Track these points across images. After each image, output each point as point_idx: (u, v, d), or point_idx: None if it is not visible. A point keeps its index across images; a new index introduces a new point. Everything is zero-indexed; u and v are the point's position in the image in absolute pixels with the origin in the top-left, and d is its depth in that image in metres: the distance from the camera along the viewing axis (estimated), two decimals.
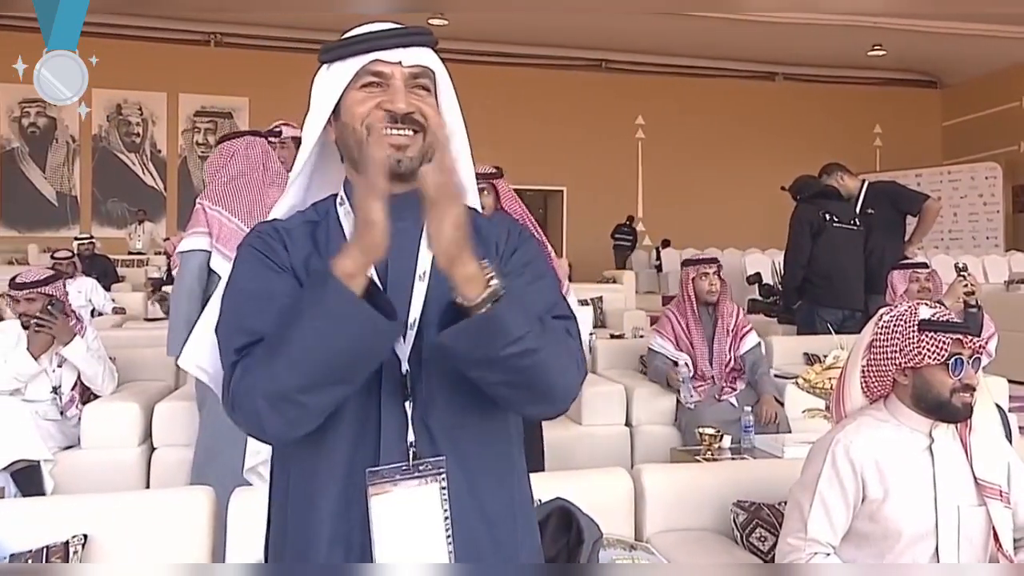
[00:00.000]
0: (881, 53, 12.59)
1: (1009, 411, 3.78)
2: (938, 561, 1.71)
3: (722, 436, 3.23)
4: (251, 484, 2.52)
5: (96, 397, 3.46)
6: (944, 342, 1.73)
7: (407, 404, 1.05)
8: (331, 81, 1.11)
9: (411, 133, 1.07)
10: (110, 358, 3.57)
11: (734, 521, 2.20)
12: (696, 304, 3.86)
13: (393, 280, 1.07)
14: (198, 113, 12.02)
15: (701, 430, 3.26)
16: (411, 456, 1.05)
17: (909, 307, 1.81)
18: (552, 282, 1.16)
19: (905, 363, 1.76)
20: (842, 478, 1.75)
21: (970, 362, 1.74)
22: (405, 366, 1.06)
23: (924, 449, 1.77)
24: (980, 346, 1.76)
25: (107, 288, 6.61)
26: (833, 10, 10.30)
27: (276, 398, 0.97)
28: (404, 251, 1.06)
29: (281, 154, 3.91)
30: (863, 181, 5.32)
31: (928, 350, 1.74)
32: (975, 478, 1.75)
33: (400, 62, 1.09)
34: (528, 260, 1.14)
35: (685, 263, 4.06)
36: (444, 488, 1.05)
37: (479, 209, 1.21)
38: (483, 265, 0.98)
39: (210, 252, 2.94)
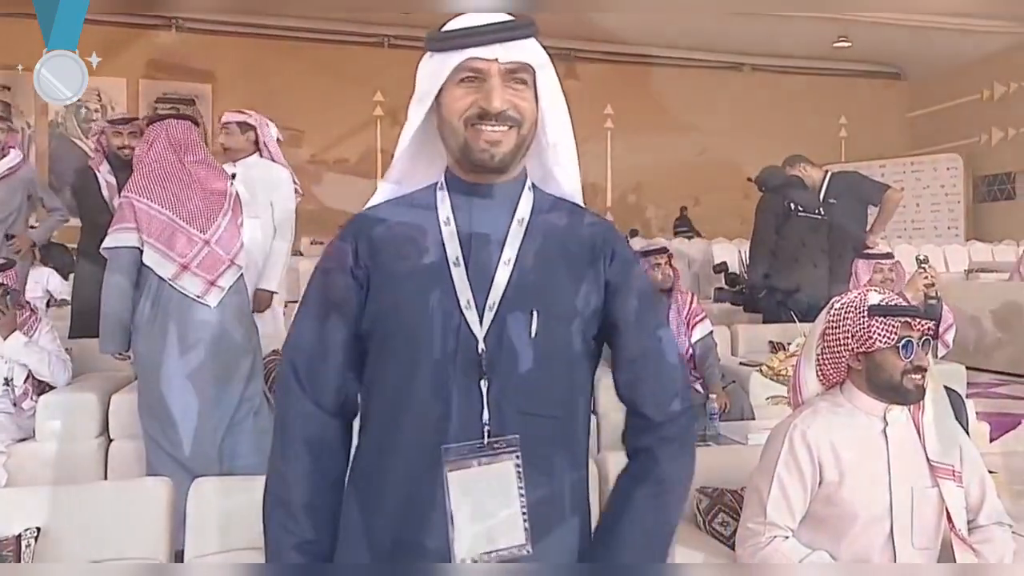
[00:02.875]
0: (846, 45, 12.72)
1: (967, 397, 3.85)
2: (893, 542, 1.74)
3: None
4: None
5: (52, 388, 3.38)
6: (893, 325, 1.77)
7: (482, 383, 1.09)
8: (433, 71, 1.13)
9: (505, 128, 1.11)
10: (66, 349, 3.48)
11: (697, 507, 2.21)
12: None
13: (476, 262, 1.12)
14: (159, 100, 11.74)
15: None
16: (486, 434, 1.08)
17: (859, 294, 1.85)
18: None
19: (857, 348, 1.80)
20: (799, 462, 1.77)
21: (920, 344, 1.78)
22: (481, 346, 1.09)
23: (879, 432, 1.80)
24: (929, 328, 1.81)
25: (64, 277, 6.47)
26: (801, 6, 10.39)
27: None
28: (490, 237, 1.13)
29: (224, 140, 3.86)
30: (826, 171, 5.38)
31: (878, 334, 1.77)
32: (928, 460, 1.78)
33: (497, 59, 1.10)
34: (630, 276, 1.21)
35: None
36: (519, 466, 1.09)
37: (582, 204, 1.24)
38: None
39: (140, 248, 2.80)
